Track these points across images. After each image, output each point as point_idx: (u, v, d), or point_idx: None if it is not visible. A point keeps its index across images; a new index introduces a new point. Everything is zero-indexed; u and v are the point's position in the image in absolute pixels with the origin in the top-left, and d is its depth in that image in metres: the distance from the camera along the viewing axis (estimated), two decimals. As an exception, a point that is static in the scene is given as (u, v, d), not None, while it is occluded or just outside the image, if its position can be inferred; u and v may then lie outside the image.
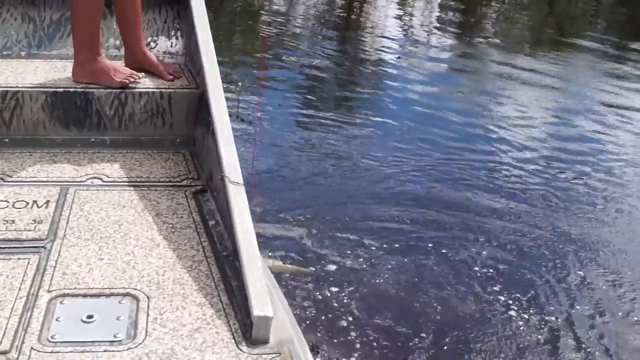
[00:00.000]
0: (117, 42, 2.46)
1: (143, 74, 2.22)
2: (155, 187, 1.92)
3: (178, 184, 1.95)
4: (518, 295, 2.96)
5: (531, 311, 2.87)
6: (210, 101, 1.96)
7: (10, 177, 1.91)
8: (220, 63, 2.14)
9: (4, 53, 2.46)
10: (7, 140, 2.11)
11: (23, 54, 2.47)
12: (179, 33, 2.59)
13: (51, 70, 2.27)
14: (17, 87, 2.13)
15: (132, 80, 2.16)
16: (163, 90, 2.18)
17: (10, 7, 2.57)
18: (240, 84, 4.42)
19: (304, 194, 3.65)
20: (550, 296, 2.99)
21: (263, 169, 3.83)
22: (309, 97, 4.98)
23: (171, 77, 2.25)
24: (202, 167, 2.03)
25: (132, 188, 1.91)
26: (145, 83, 2.21)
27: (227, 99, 1.99)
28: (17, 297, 1.42)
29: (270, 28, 6.23)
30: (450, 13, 8.11)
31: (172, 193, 1.89)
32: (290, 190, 3.66)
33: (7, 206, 1.76)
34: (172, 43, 2.58)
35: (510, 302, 2.92)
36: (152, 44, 2.55)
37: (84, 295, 1.44)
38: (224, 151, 1.76)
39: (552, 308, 2.91)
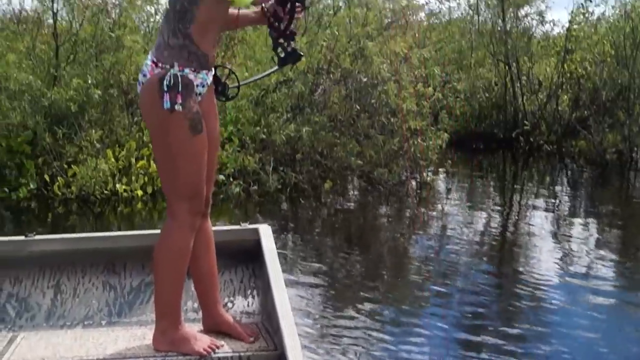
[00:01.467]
0: (195, 305, 2.47)
1: (222, 342, 2.22)
2: None
3: None
4: None
5: None
6: None
7: None
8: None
9: (86, 323, 2.51)
10: None
11: (104, 322, 2.51)
12: (254, 292, 2.58)
13: (131, 339, 2.28)
14: (98, 359, 2.14)
15: (212, 350, 2.18)
16: (242, 354, 2.16)
17: (92, 277, 2.67)
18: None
19: None
20: None
21: None
22: (461, 340, 4.58)
23: (251, 339, 2.20)
24: None
25: None
26: (224, 347, 2.20)
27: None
28: None
29: (417, 272, 6.06)
30: (612, 230, 7.58)
31: None
32: None
33: None
34: (248, 302, 2.56)
35: None
36: (229, 304, 2.54)
37: None
38: None
39: None
